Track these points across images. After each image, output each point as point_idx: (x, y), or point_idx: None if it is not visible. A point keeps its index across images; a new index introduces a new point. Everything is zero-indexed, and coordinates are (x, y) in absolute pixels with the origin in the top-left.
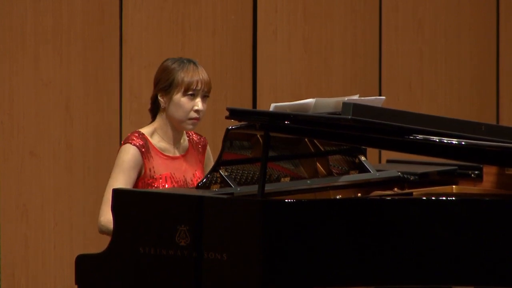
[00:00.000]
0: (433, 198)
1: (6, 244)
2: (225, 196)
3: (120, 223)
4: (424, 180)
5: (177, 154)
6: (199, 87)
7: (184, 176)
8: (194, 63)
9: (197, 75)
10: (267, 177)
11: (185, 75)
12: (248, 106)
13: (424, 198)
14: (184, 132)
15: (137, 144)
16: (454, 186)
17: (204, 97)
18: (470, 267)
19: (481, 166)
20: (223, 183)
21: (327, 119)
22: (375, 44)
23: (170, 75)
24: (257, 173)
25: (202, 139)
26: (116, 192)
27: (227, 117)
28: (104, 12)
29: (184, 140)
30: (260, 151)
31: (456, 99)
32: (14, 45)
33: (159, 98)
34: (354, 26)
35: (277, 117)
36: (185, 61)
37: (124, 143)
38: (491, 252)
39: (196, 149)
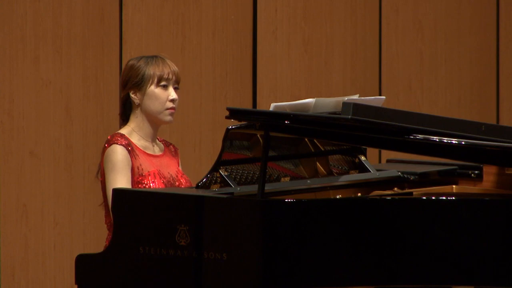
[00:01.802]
0: (433, 198)
1: (6, 244)
2: (225, 196)
3: (120, 223)
4: (424, 180)
5: (157, 153)
6: (170, 77)
7: (169, 173)
8: (161, 57)
9: (167, 66)
10: (267, 177)
11: (155, 68)
12: (248, 106)
13: (424, 198)
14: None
15: (123, 143)
16: (454, 186)
17: (175, 89)
18: (470, 267)
19: (481, 166)
20: (223, 183)
21: (327, 119)
22: (375, 45)
23: (140, 70)
24: (257, 173)
25: (173, 145)
26: (116, 192)
27: (227, 117)
28: (104, 12)
29: (159, 143)
30: (260, 151)
31: (456, 102)
32: (14, 45)
33: (131, 96)
34: (354, 27)
35: (277, 116)
36: (151, 56)
37: (109, 145)
38: (491, 252)
39: (170, 152)
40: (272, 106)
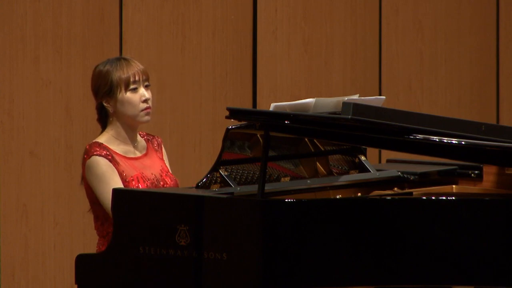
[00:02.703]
0: (433, 198)
1: (6, 244)
2: (225, 196)
3: (120, 223)
4: (424, 180)
5: (138, 155)
6: (137, 78)
7: (152, 173)
8: (125, 59)
9: (132, 68)
10: (267, 177)
11: (121, 73)
12: (248, 106)
13: (424, 198)
14: (138, 134)
15: (102, 154)
16: (454, 186)
17: (146, 87)
18: (470, 267)
19: (481, 165)
20: (223, 183)
21: (327, 119)
22: (375, 45)
23: (107, 78)
24: (257, 173)
25: (156, 138)
26: (116, 192)
27: (227, 117)
28: (104, 12)
29: (141, 140)
30: (260, 151)
31: (456, 102)
32: (14, 45)
33: (104, 104)
34: (354, 27)
35: (277, 116)
36: (115, 60)
37: (89, 157)
38: (491, 252)
39: (153, 147)
40: (272, 106)
